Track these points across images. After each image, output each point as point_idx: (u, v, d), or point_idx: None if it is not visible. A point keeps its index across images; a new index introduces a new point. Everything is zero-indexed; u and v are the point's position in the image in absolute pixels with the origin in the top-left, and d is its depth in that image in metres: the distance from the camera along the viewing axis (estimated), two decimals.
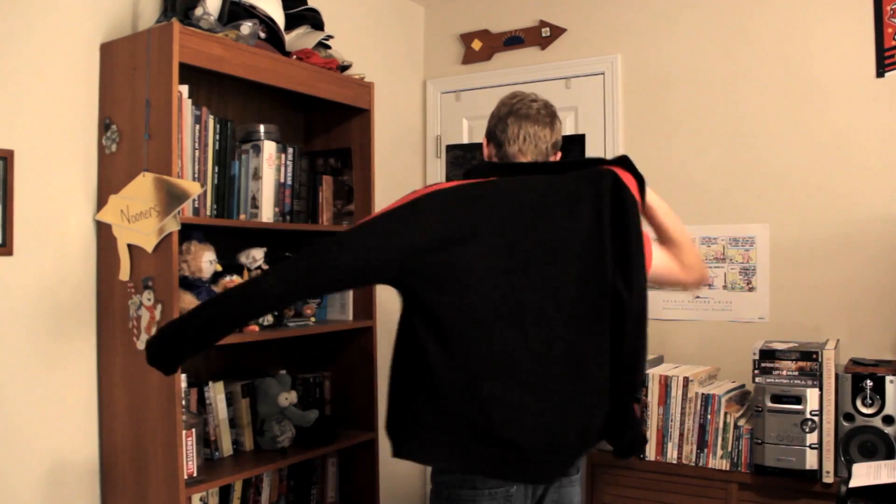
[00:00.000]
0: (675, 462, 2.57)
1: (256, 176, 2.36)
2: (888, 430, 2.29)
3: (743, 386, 2.70)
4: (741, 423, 2.50)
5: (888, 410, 2.30)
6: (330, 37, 2.62)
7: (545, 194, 1.64)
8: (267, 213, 2.39)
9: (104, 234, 2.14)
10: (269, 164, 2.39)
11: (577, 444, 1.62)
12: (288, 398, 2.42)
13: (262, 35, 2.30)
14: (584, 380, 1.59)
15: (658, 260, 1.79)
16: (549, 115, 1.84)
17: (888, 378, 2.30)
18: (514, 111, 1.83)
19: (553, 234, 1.60)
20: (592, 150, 3.16)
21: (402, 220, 1.58)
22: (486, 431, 1.54)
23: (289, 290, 1.60)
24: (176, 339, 1.63)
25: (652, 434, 2.60)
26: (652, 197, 1.77)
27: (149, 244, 2.02)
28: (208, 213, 2.22)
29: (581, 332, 1.59)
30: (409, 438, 1.61)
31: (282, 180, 2.46)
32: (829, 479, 2.34)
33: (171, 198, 1.99)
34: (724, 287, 2.92)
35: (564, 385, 1.57)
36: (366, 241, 1.58)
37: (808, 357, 2.41)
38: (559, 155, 1.89)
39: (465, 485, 1.65)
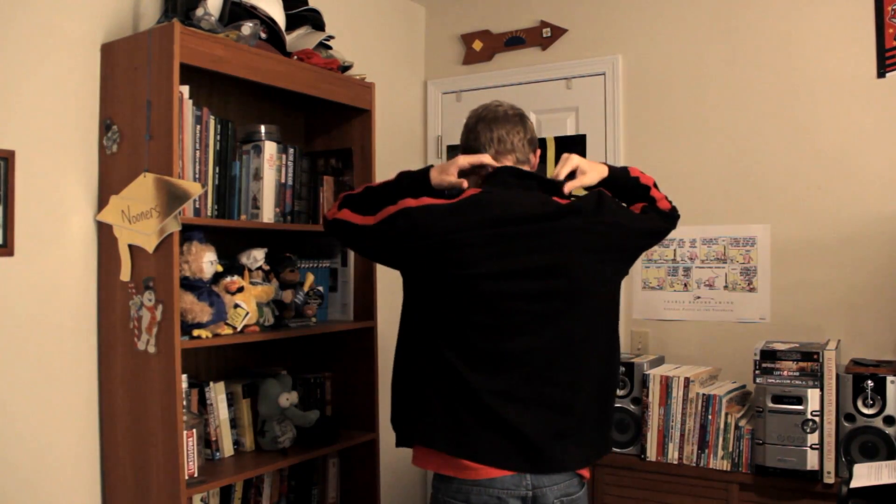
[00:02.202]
0: (675, 463, 2.57)
1: (257, 176, 2.36)
2: (889, 430, 2.29)
3: (744, 386, 2.70)
4: (742, 423, 2.50)
5: (889, 411, 2.30)
6: (331, 37, 2.62)
7: None
8: (268, 214, 2.38)
9: (105, 234, 2.14)
10: (270, 165, 2.39)
11: None
12: (289, 399, 2.42)
13: (263, 35, 2.30)
14: None
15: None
16: (517, 115, 1.87)
17: (889, 378, 2.30)
18: (481, 118, 1.86)
19: None
20: (593, 151, 3.15)
21: None
22: None
23: None
24: None
25: (653, 434, 2.60)
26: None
27: (150, 245, 2.02)
28: (209, 213, 2.22)
29: None
30: None
31: (283, 181, 2.46)
32: (829, 479, 2.34)
33: (171, 198, 1.99)
34: (725, 287, 2.92)
35: None
36: None
37: (809, 357, 2.41)
38: (538, 152, 1.93)
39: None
